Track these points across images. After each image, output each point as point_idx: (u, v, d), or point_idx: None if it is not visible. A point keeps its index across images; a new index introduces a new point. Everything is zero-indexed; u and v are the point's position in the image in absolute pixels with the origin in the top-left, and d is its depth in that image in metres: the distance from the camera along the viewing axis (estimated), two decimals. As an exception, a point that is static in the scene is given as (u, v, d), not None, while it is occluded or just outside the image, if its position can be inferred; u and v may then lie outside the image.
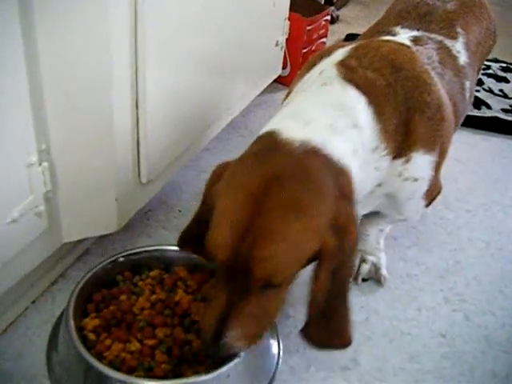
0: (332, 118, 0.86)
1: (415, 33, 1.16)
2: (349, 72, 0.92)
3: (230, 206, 0.75)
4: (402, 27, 1.19)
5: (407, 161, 0.96)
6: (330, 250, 0.78)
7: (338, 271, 0.80)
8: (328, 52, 1.03)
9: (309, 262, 0.79)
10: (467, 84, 1.17)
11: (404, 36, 1.14)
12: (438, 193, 1.12)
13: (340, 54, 0.99)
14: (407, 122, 0.94)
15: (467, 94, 1.18)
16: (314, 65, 1.03)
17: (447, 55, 1.14)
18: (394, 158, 0.95)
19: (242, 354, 0.89)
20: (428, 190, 1.05)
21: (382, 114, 0.91)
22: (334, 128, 0.85)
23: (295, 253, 0.76)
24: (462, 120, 1.21)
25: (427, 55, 1.08)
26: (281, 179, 0.75)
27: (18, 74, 0.78)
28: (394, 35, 1.15)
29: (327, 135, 0.84)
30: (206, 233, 0.78)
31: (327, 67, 0.96)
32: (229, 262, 0.74)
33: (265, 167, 0.76)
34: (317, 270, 0.80)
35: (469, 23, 1.26)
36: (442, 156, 1.02)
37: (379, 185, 0.98)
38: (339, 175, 0.83)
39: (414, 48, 1.07)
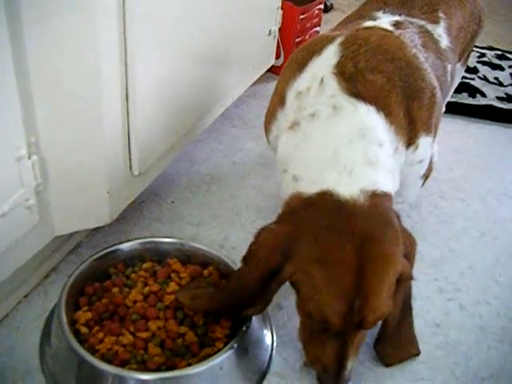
0: (364, 153, 0.88)
1: (397, 17, 1.17)
2: (350, 84, 0.93)
3: (333, 280, 0.80)
4: (383, 12, 1.19)
5: (416, 148, 0.99)
6: (407, 275, 0.87)
7: (406, 288, 0.92)
8: (316, 47, 1.01)
9: None
10: (449, 67, 1.19)
11: (385, 21, 1.14)
12: (431, 171, 1.14)
13: (332, 53, 0.98)
14: (409, 111, 0.96)
15: (449, 77, 1.20)
16: (304, 64, 1.00)
17: (429, 39, 1.15)
18: (407, 148, 0.98)
19: (235, 345, 0.89)
20: (426, 170, 1.08)
21: (390, 114, 0.93)
22: (371, 163, 0.88)
23: (392, 290, 0.84)
24: (445, 102, 1.24)
25: (410, 39, 1.08)
26: (366, 241, 0.80)
27: (6, 67, 0.76)
28: (374, 20, 1.15)
29: (371, 174, 0.87)
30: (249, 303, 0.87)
31: (326, 76, 0.95)
32: (343, 323, 0.82)
33: (347, 236, 0.80)
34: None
35: (451, 8, 1.26)
36: (435, 135, 1.06)
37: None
38: (391, 202, 0.87)
39: (397, 32, 1.07)
